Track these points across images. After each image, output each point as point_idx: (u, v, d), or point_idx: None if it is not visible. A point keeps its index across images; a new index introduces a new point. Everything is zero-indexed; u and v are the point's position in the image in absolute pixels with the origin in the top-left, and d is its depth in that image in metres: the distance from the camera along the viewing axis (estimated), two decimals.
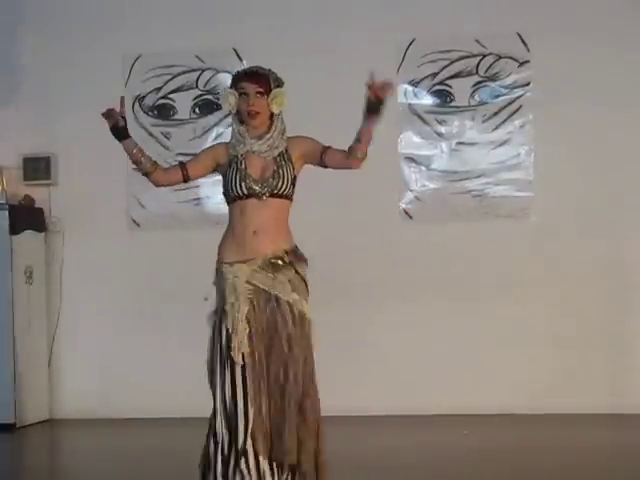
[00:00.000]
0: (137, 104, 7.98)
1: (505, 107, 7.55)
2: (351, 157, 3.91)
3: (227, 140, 4.16)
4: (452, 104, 7.64)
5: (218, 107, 7.86)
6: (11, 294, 7.45)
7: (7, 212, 7.48)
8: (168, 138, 7.95)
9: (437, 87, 7.66)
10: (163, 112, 7.98)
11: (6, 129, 7.96)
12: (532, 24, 7.44)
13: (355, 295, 7.52)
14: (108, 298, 7.87)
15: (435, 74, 7.64)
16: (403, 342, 7.45)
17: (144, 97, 7.97)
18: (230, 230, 4.00)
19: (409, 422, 7.11)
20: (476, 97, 7.61)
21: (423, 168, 7.66)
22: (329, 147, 4.02)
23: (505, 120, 7.56)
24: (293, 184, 3.99)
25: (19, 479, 6.06)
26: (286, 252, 3.94)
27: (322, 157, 3.99)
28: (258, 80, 3.95)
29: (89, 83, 7.94)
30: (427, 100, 7.67)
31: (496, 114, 7.57)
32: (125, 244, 7.93)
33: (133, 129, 7.85)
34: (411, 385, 7.34)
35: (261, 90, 3.94)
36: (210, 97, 7.90)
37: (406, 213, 7.66)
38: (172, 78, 7.95)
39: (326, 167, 4.04)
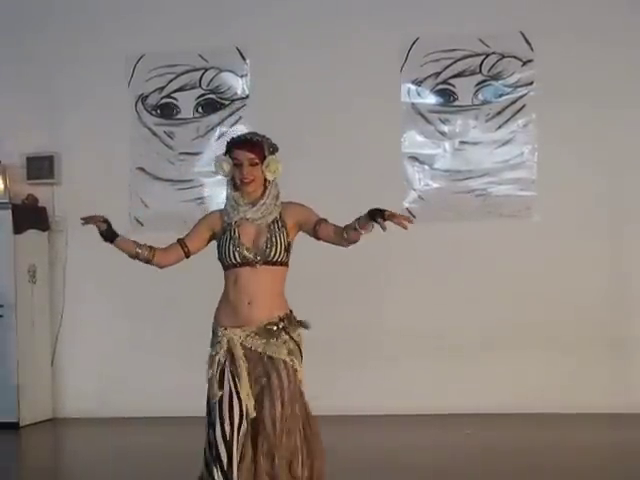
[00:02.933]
0: (140, 103, 7.99)
1: (508, 106, 7.55)
2: (344, 238, 3.80)
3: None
4: (455, 103, 7.63)
5: (221, 106, 7.87)
6: (14, 293, 7.48)
7: (10, 211, 7.51)
8: (171, 137, 7.96)
9: (440, 86, 7.66)
10: (166, 111, 7.98)
11: (9, 128, 7.98)
12: (535, 23, 7.43)
13: (357, 294, 7.52)
14: (111, 298, 7.88)
15: (438, 73, 7.63)
16: (404, 341, 7.45)
17: (147, 96, 7.98)
18: (225, 296, 3.95)
19: (409, 422, 7.12)
20: (479, 96, 7.60)
21: (426, 167, 7.66)
22: (323, 220, 3.94)
23: (508, 119, 7.55)
24: (287, 251, 3.93)
25: (22, 477, 6.09)
26: (280, 319, 3.90)
27: (315, 229, 3.92)
28: (252, 149, 3.90)
29: (92, 83, 7.97)
30: (430, 99, 7.67)
31: (499, 113, 7.56)
32: None
33: (136, 128, 8.01)
34: (411, 385, 7.33)
35: (255, 159, 3.90)
36: (213, 96, 7.90)
37: (409, 212, 7.63)
38: (175, 77, 7.96)
39: (318, 239, 4.00)
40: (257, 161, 3.90)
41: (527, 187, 7.50)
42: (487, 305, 7.40)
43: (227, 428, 3.69)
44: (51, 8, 8.08)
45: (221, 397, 3.75)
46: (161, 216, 7.89)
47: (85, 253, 7.95)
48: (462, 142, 7.63)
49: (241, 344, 3.85)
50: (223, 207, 4.03)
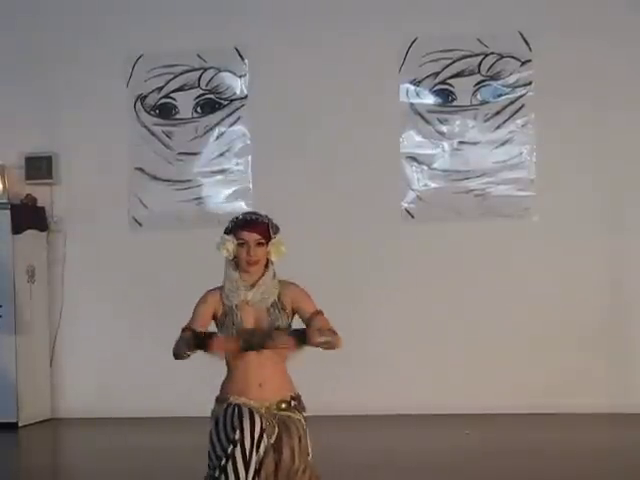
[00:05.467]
0: (139, 103, 7.98)
1: (507, 106, 7.55)
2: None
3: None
4: (454, 103, 7.63)
5: (220, 106, 7.87)
6: (13, 293, 7.46)
7: (9, 211, 7.49)
8: (170, 137, 7.96)
9: (439, 86, 7.66)
10: (165, 111, 7.98)
11: (8, 128, 7.97)
12: (534, 23, 7.44)
13: (356, 294, 7.51)
14: (110, 297, 7.87)
15: (437, 73, 7.63)
16: (403, 341, 7.46)
17: (146, 96, 7.98)
18: (231, 378, 3.96)
19: (409, 422, 7.12)
20: (478, 96, 7.60)
21: (425, 167, 7.66)
22: (318, 314, 3.94)
23: (507, 119, 7.55)
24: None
25: (21, 478, 6.06)
26: (292, 397, 3.93)
27: (307, 322, 3.93)
28: (258, 230, 3.92)
29: (91, 82, 7.97)
30: (429, 99, 7.67)
31: (498, 113, 7.57)
32: (127, 243, 7.93)
33: (135, 128, 8.01)
34: (411, 385, 7.34)
35: (261, 239, 3.91)
36: (212, 96, 7.90)
37: (408, 212, 7.65)
38: (174, 77, 7.95)
39: None
40: (263, 242, 3.92)
41: (526, 187, 7.50)
42: (486, 305, 7.40)
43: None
44: (49, 8, 8.07)
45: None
46: (160, 216, 7.90)
47: (84, 253, 7.97)
48: (461, 142, 7.63)
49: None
50: (221, 286, 4.00)
